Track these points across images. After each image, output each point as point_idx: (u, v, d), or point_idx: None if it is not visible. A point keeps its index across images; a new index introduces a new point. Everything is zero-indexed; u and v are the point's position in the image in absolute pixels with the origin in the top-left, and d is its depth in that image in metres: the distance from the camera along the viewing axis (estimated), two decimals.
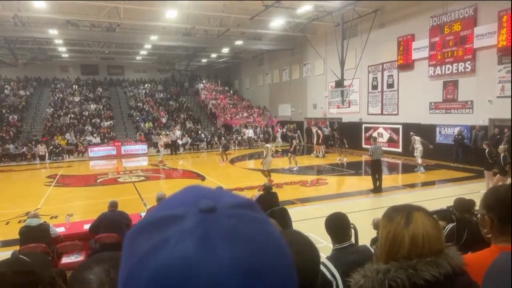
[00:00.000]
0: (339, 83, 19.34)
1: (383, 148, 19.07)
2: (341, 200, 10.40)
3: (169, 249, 0.40)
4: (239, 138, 25.95)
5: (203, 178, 14.51)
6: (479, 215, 1.47)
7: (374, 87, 20.17)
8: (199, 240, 0.40)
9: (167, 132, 22.75)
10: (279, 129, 26.77)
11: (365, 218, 6.17)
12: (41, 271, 1.25)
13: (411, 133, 14.85)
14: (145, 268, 0.40)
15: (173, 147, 22.50)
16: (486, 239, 1.43)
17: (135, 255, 0.42)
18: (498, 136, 13.37)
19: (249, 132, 25.04)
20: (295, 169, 15.24)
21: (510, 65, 13.25)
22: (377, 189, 10.86)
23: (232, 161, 18.98)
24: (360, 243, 4.47)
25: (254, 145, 25.29)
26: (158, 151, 20.29)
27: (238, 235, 0.42)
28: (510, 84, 13.37)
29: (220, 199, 0.46)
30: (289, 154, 15.90)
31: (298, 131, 25.75)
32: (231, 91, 35.76)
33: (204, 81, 36.60)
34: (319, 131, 19.95)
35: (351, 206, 9.36)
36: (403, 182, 13.07)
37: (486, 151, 10.16)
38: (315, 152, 19.65)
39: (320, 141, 19.42)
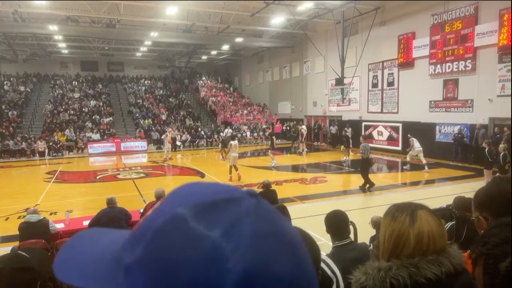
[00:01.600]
0: (339, 81, 19.31)
1: (382, 146, 19.32)
2: (340, 198, 10.41)
3: (250, 222, 0.41)
4: (239, 135, 25.95)
5: (202, 175, 14.51)
6: (474, 219, 1.45)
7: (374, 85, 20.15)
8: (268, 214, 0.44)
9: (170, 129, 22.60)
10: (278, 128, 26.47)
11: (364, 215, 6.18)
12: (40, 267, 1.25)
13: (409, 135, 14.67)
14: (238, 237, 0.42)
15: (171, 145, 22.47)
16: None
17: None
18: (498, 135, 13.37)
19: (228, 132, 24.59)
20: (272, 164, 15.67)
21: (511, 63, 13.21)
22: (371, 186, 10.80)
23: None
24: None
25: (254, 143, 25.33)
26: (164, 148, 19.81)
27: (275, 219, 0.44)
28: (511, 83, 13.34)
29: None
30: (269, 151, 16.37)
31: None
32: (231, 88, 35.72)
33: (204, 78, 36.53)
34: (302, 129, 20.20)
35: (351, 204, 9.37)
36: (402, 180, 13.08)
37: (486, 149, 10.16)
38: (300, 149, 19.77)
39: (303, 139, 19.81)
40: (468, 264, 1.09)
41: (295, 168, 16.19)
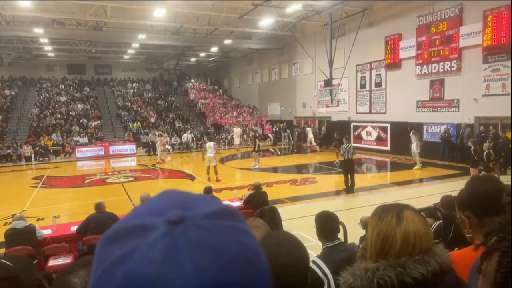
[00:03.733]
0: (328, 82, 19.45)
1: (371, 146, 19.48)
2: (330, 199, 10.46)
3: (133, 262, 0.39)
4: (229, 137, 25.92)
5: (192, 178, 14.44)
6: (458, 219, 1.49)
7: (363, 86, 20.34)
8: (164, 253, 0.39)
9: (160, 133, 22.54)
10: (267, 129, 26.67)
11: (354, 215, 6.22)
12: (25, 275, 1.22)
13: (305, 125, 15.22)
14: (109, 280, 0.39)
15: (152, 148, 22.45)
16: (468, 239, 1.45)
17: (102, 264, 0.42)
18: (483, 134, 13.60)
19: (187, 137, 23.95)
20: (256, 166, 15.88)
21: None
22: (349, 189, 10.81)
23: (222, 161, 18.91)
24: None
25: (244, 145, 25.30)
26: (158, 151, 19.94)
27: (206, 248, 0.40)
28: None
29: (193, 207, 0.44)
30: (253, 153, 16.47)
31: (288, 130, 25.88)
32: (221, 90, 35.66)
33: (193, 80, 36.40)
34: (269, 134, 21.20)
35: (341, 204, 9.43)
36: (391, 180, 13.21)
37: (472, 148, 10.34)
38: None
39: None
40: (455, 263, 1.11)
41: (285, 169, 16.22)
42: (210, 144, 13.45)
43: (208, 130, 26.94)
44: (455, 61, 15.25)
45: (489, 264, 0.73)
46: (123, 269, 0.39)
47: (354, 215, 6.39)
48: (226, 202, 7.61)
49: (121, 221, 0.45)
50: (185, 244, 0.39)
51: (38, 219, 8.77)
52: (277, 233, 1.44)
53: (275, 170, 16.05)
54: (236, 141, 23.08)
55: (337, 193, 11.22)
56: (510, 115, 12.19)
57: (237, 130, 23.71)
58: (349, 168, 10.92)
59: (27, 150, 20.56)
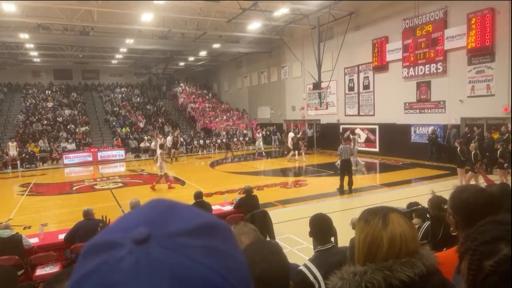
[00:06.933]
0: (317, 85, 19.58)
1: (360, 148, 19.61)
2: (321, 201, 10.49)
3: (95, 281, 0.39)
4: (219, 141, 25.86)
5: (182, 183, 14.35)
6: (447, 213, 1.52)
7: (351, 89, 20.53)
8: (124, 275, 0.38)
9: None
10: (258, 133, 26.62)
11: (345, 217, 6.25)
12: (7, 285, 1.20)
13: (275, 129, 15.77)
14: None
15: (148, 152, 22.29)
16: (456, 236, 1.48)
17: (73, 278, 0.42)
18: (469, 135, 13.83)
19: (168, 140, 23.30)
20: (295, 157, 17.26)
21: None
22: (343, 190, 10.93)
23: (212, 165, 18.87)
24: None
25: (234, 148, 25.26)
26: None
27: (165, 271, 0.37)
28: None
29: (167, 223, 0.42)
30: (295, 152, 17.72)
31: (277, 133, 25.94)
32: (210, 94, 35.60)
33: (182, 84, 36.27)
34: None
35: (331, 206, 9.47)
36: (380, 181, 13.33)
37: (458, 149, 10.50)
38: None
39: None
40: (441, 264, 1.12)
41: (276, 172, 16.25)
42: (159, 152, 13.29)
43: (199, 134, 26.63)
44: (440, 63, 15.51)
45: (464, 264, 0.75)
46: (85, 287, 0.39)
47: (346, 217, 6.42)
48: (216, 207, 7.46)
49: (101, 233, 0.45)
50: (145, 266, 0.38)
51: (25, 228, 8.60)
52: (253, 243, 1.44)
53: (265, 173, 16.05)
54: (259, 144, 22.22)
55: (328, 195, 11.26)
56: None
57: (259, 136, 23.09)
58: (346, 168, 11.03)
59: (15, 156, 20.18)
